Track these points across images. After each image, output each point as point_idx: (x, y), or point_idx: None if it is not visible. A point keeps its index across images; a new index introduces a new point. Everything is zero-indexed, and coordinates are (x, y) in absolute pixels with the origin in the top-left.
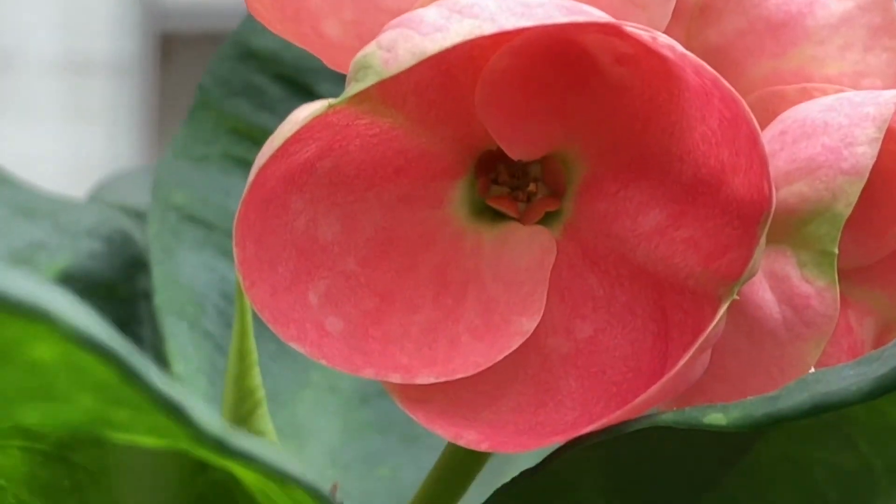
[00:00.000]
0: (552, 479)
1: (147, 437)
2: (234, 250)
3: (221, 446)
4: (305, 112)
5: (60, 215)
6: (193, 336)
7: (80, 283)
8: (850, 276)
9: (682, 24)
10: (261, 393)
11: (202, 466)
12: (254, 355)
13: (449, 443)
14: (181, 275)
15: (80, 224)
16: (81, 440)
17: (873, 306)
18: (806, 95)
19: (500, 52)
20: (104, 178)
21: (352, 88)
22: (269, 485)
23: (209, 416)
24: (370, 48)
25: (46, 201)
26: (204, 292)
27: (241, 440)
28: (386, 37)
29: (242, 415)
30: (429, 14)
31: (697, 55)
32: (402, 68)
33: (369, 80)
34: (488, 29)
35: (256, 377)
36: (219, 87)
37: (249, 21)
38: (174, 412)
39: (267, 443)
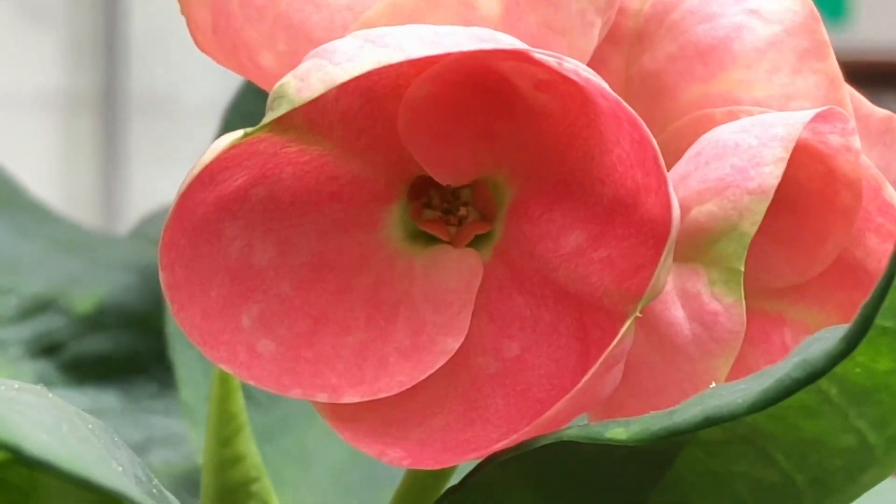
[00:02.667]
0: (479, 494)
1: None
2: (161, 275)
3: None
4: (225, 141)
5: (98, 250)
6: (203, 364)
7: (114, 315)
8: (785, 294)
9: (622, 50)
10: (243, 417)
11: None
12: (235, 379)
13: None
14: None
15: (117, 258)
16: (12, 459)
17: (809, 324)
18: (732, 118)
19: (419, 79)
20: (147, 212)
21: (267, 117)
22: None
23: None
24: (286, 78)
25: (86, 236)
26: None
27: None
28: (302, 66)
29: (225, 437)
30: (343, 44)
31: (635, 81)
32: (313, 96)
33: (283, 109)
34: (396, 57)
35: (238, 402)
36: (241, 120)
37: None
38: None
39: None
